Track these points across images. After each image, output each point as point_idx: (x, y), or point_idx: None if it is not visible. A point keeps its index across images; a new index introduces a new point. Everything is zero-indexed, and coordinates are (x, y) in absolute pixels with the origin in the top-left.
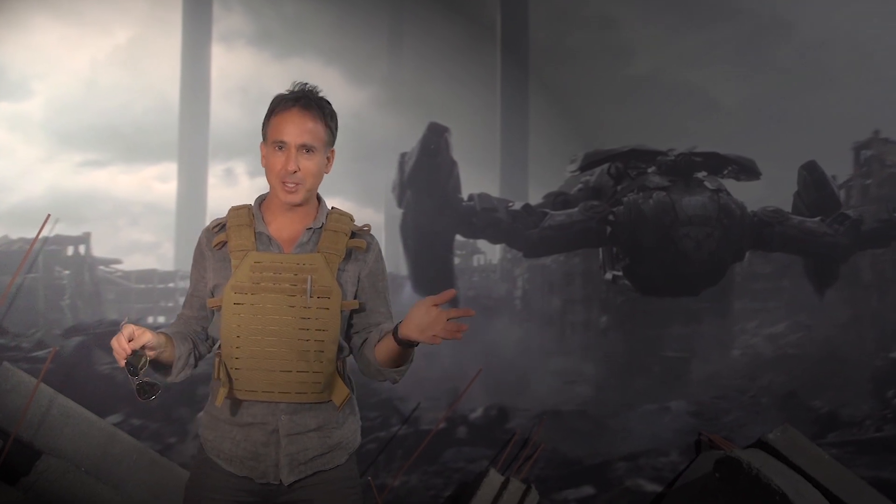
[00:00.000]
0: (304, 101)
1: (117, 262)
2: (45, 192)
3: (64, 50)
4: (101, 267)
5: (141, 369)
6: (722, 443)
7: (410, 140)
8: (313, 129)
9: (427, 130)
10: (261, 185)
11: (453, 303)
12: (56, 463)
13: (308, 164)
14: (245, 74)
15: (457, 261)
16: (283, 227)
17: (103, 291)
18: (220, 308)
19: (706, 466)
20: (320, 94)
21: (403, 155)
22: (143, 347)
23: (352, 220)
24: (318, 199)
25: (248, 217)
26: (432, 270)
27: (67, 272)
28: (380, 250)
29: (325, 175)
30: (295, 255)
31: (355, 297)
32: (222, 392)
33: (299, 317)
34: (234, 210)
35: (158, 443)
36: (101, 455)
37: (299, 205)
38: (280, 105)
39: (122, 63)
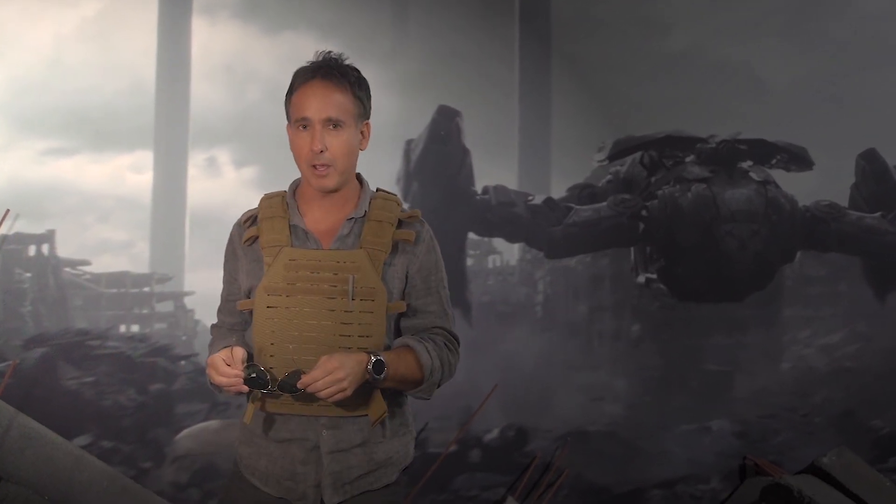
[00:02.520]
0: (325, 69)
1: (85, 263)
2: (2, 184)
3: (24, 24)
4: (67, 269)
5: (268, 377)
6: (770, 468)
7: (417, 125)
8: (338, 101)
9: (436, 114)
10: (247, 177)
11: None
12: (16, 491)
13: (337, 141)
14: (230, 51)
15: (469, 262)
16: (320, 218)
17: (69, 296)
18: (252, 311)
19: (752, 495)
20: (346, 62)
21: (409, 142)
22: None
23: (399, 204)
24: (360, 181)
25: (282, 207)
26: None
27: (29, 275)
28: (432, 238)
29: (362, 153)
30: (334, 251)
31: (403, 296)
32: (253, 405)
33: (340, 321)
34: (267, 199)
35: (132, 468)
36: (66, 482)
37: (335, 190)
38: (299, 78)
39: (91, 38)
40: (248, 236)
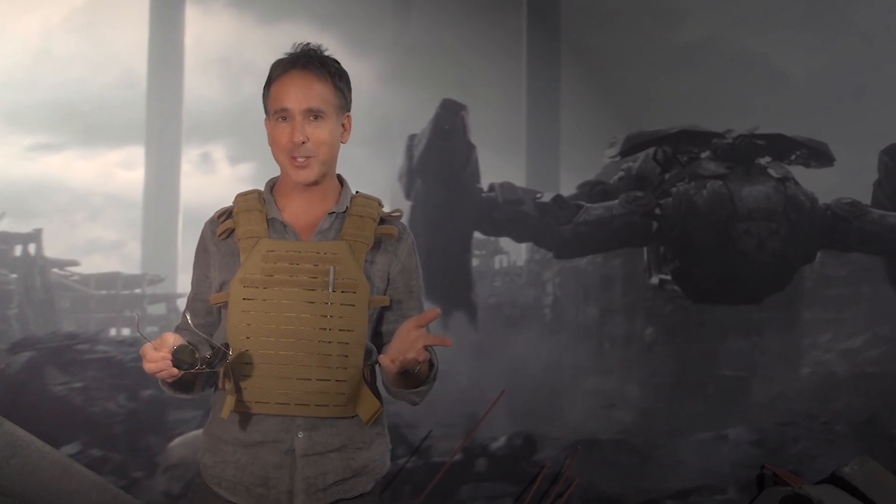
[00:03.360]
0: (304, 59)
1: (74, 263)
2: None
3: (10, 14)
4: (55, 270)
5: (197, 355)
6: (789, 477)
7: (420, 120)
8: (319, 91)
9: (440, 108)
10: (243, 174)
11: (440, 322)
12: (1, 502)
13: (318, 132)
14: (225, 42)
15: (475, 262)
16: (299, 212)
17: (57, 298)
18: (226, 304)
19: None
20: (325, 53)
21: (412, 137)
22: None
23: (380, 204)
24: (341, 181)
25: (259, 202)
26: (447, 274)
27: (15, 276)
28: (413, 242)
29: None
30: (315, 242)
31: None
32: (229, 403)
33: (319, 314)
34: (242, 195)
35: (122, 477)
36: (54, 492)
37: (315, 183)
38: (277, 69)
39: (80, 29)
40: (223, 229)
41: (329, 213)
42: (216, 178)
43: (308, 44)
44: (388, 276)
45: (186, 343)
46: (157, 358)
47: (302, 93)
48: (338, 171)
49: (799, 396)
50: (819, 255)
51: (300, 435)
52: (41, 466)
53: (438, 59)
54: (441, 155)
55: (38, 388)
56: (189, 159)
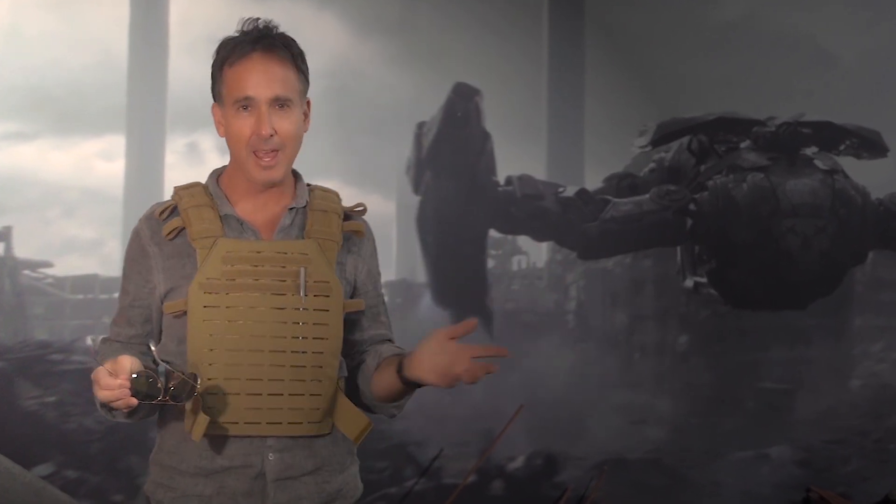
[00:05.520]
0: (266, 41)
1: (47, 265)
2: None
3: None
4: (27, 271)
5: (158, 383)
6: (837, 501)
7: (430, 106)
8: (284, 77)
9: (452, 93)
10: None
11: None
12: None
13: (285, 123)
14: (213, 20)
15: (491, 263)
16: (253, 209)
17: (28, 304)
18: (182, 314)
19: None
20: (280, 31)
21: (421, 125)
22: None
23: (338, 197)
24: (294, 172)
25: (207, 196)
26: (459, 276)
27: None
28: (374, 241)
29: (304, 141)
30: (280, 241)
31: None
32: (200, 423)
33: (291, 321)
34: (185, 189)
35: (100, 501)
36: None
37: (279, 182)
38: (235, 51)
39: (54, 6)
40: (170, 228)
41: (289, 209)
42: (204, 170)
43: (258, 19)
44: (354, 280)
45: (145, 370)
46: (114, 385)
47: (267, 79)
48: (339, 163)
49: (849, 411)
50: (871, 255)
51: (271, 457)
52: (11, 489)
53: (450, 39)
54: (453, 145)
55: (6, 403)
56: (175, 149)
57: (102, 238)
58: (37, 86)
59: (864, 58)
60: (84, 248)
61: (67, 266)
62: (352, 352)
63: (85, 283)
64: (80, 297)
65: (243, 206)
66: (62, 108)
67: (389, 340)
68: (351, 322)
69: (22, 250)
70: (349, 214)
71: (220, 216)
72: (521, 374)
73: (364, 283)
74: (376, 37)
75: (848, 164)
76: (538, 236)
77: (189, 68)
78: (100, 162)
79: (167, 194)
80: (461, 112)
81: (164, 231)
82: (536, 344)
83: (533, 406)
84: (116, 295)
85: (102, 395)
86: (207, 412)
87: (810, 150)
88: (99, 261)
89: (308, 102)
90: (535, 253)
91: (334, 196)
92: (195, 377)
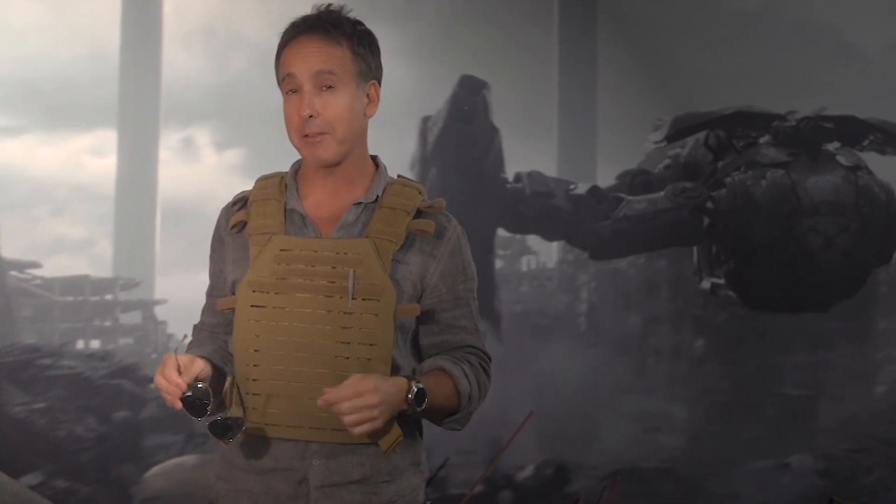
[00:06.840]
0: (314, 20)
1: (35, 265)
2: None
3: None
4: (14, 273)
5: (209, 405)
6: None
7: (436, 99)
8: (330, 55)
9: (458, 86)
10: (230, 162)
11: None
12: None
13: (330, 104)
14: (209, 11)
15: (499, 264)
16: (322, 201)
17: (16, 306)
18: (234, 311)
19: None
20: (347, 14)
21: (426, 119)
22: (196, 379)
23: (421, 193)
24: (376, 162)
25: (279, 189)
26: None
27: None
28: (459, 238)
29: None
30: (334, 240)
31: (418, 303)
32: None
33: (339, 325)
34: (263, 180)
35: None
36: None
37: (335, 163)
38: (286, 35)
39: None
40: (235, 220)
41: (356, 204)
42: (199, 166)
43: (330, 4)
44: (421, 282)
45: (204, 388)
46: (172, 383)
47: (307, 54)
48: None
49: (873, 419)
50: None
51: (315, 463)
52: None
53: (456, 30)
54: (460, 140)
55: None
56: (168, 145)
57: (93, 237)
58: (24, 78)
59: (889, 49)
60: (74, 247)
61: (56, 267)
62: (421, 358)
63: (75, 284)
64: (70, 298)
65: (313, 199)
66: (51, 102)
67: (471, 346)
68: (421, 327)
69: (9, 250)
70: (422, 211)
71: (286, 210)
72: (531, 379)
73: (436, 286)
74: (380, 27)
75: (872, 159)
76: (548, 235)
77: (184, 61)
78: (90, 158)
79: (161, 192)
80: (468, 106)
81: (230, 224)
82: (546, 348)
83: (543, 413)
84: (109, 297)
85: (158, 380)
86: (250, 413)
87: (832, 146)
88: (89, 261)
89: (374, 85)
90: (545, 253)
91: (413, 192)
92: (242, 423)
